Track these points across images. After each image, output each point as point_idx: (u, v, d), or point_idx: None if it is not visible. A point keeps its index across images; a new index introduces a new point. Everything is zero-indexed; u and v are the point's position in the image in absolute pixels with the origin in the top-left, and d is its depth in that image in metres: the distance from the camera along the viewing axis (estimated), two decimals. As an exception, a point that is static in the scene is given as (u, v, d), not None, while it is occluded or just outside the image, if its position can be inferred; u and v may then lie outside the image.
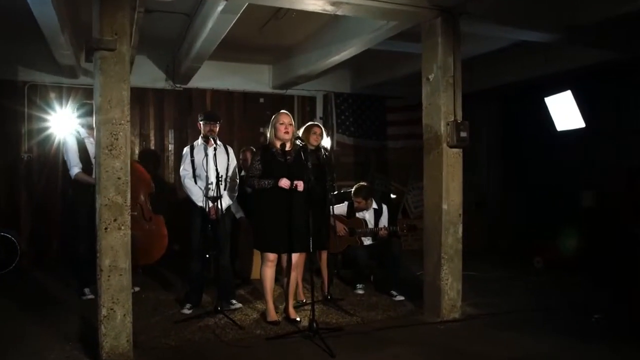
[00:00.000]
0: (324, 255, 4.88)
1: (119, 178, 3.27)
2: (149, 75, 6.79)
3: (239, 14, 4.26)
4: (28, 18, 4.31)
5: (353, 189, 5.32)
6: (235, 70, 7.20)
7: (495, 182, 8.48)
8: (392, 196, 7.88)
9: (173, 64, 6.74)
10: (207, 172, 4.35)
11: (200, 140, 4.51)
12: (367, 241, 5.30)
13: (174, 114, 7.07)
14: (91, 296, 4.60)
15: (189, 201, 4.45)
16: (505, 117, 8.32)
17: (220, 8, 4.11)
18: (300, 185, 3.97)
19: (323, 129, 4.75)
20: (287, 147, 4.07)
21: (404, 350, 3.62)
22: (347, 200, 5.42)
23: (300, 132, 4.61)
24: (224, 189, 4.45)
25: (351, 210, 5.33)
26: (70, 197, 4.91)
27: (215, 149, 4.33)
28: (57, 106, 6.36)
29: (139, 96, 6.80)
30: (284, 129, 4.06)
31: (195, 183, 4.41)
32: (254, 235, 4.32)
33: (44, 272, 5.96)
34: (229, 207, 4.58)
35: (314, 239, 3.92)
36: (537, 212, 7.52)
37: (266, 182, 4.02)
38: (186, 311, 4.39)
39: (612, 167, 6.62)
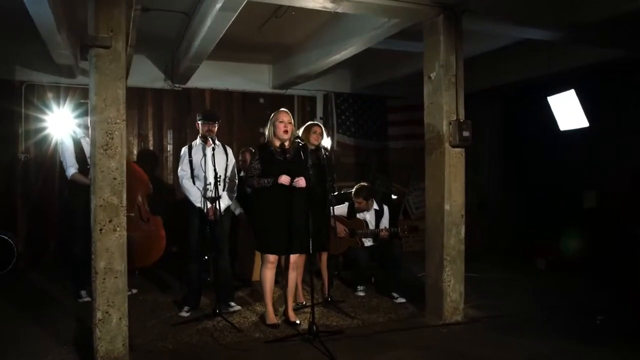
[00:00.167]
0: (324, 256, 4.82)
1: (114, 178, 3.21)
2: (148, 75, 6.74)
3: (237, 12, 4.20)
4: (25, 17, 4.25)
5: (354, 190, 5.26)
6: (234, 69, 7.14)
7: (497, 182, 8.42)
8: (393, 197, 7.82)
9: (172, 64, 6.69)
10: (205, 172, 4.29)
11: (198, 140, 4.46)
12: (367, 242, 5.24)
13: (172, 114, 7.01)
14: (87, 298, 4.54)
15: (187, 202, 4.39)
16: (507, 116, 8.27)
17: (219, 5, 4.05)
18: (301, 181, 3.89)
19: (323, 128, 4.70)
20: (287, 145, 4.01)
21: (406, 354, 3.56)
22: (347, 201, 5.37)
23: (300, 132, 4.56)
24: (223, 190, 4.39)
25: (352, 211, 5.27)
26: (66, 198, 4.86)
27: (213, 149, 4.27)
28: (54, 106, 6.30)
29: (137, 96, 6.77)
30: (283, 128, 3.99)
31: (194, 183, 4.35)
32: (255, 236, 4.25)
33: (41, 273, 5.90)
34: (228, 208, 4.52)
35: (314, 240, 3.86)
36: (539, 213, 7.46)
37: (266, 181, 3.95)
38: (184, 314, 4.33)
39: (615, 167, 6.56)
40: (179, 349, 3.60)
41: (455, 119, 4.17)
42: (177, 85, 6.87)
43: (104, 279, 3.18)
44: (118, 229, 3.21)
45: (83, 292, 4.70)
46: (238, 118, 7.33)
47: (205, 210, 4.27)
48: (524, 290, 5.40)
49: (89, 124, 3.38)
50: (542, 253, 6.58)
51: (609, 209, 6.59)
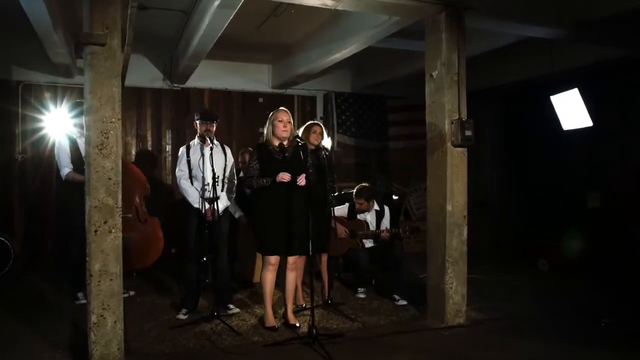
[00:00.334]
0: (324, 258, 4.76)
1: (109, 178, 3.14)
2: (146, 74, 6.69)
3: (236, 9, 4.14)
4: (21, 16, 4.19)
5: (354, 190, 5.20)
6: (233, 69, 7.09)
7: (498, 182, 8.36)
8: (394, 197, 7.76)
9: (170, 63, 6.63)
10: (203, 172, 4.23)
11: (196, 140, 4.40)
12: (368, 244, 5.17)
13: (171, 114, 6.96)
14: (84, 301, 4.45)
15: (185, 203, 4.32)
16: (509, 116, 8.20)
17: (217, 3, 4.00)
18: (302, 179, 3.82)
19: (324, 128, 4.64)
20: (286, 145, 3.95)
21: (408, 357, 3.50)
22: (348, 202, 5.31)
23: (300, 132, 4.50)
24: (222, 190, 4.33)
25: (352, 211, 5.21)
26: (62, 198, 4.79)
27: (212, 149, 4.20)
28: (51, 106, 6.25)
29: (135, 96, 6.73)
30: (283, 127, 3.93)
31: (192, 184, 4.29)
32: (255, 237, 4.18)
33: (38, 275, 5.85)
34: (226, 209, 4.45)
35: (314, 241, 3.79)
36: (541, 213, 7.39)
37: (264, 180, 3.88)
38: (182, 316, 4.26)
39: (619, 167, 6.49)
40: (176, 352, 3.53)
41: (457, 118, 4.10)
42: (175, 85, 6.81)
43: (99, 281, 3.11)
44: (113, 230, 3.14)
45: (80, 294, 4.64)
46: (237, 118, 7.27)
47: (203, 211, 4.20)
48: (527, 291, 5.33)
49: (84, 123, 3.32)
50: (545, 254, 6.51)
51: (612, 209, 6.52)
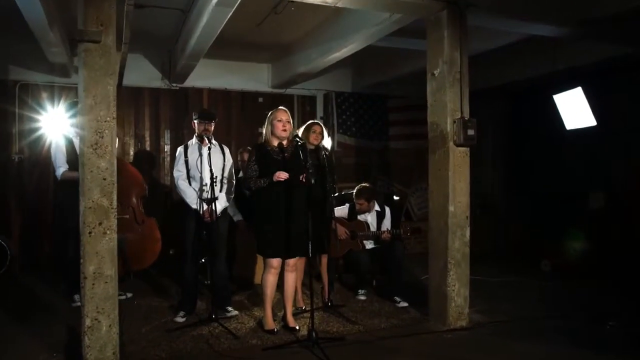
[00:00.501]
0: (324, 259, 4.69)
1: (104, 179, 3.07)
2: (144, 74, 6.61)
3: (234, 7, 4.07)
4: (18, 14, 4.13)
5: (355, 191, 5.14)
6: (232, 68, 7.02)
7: (500, 182, 8.28)
8: (395, 198, 7.68)
9: (169, 63, 6.55)
10: (201, 173, 4.17)
11: (194, 140, 4.34)
12: (369, 245, 5.11)
13: (170, 113, 6.89)
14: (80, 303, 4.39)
15: (182, 203, 4.26)
16: (511, 115, 8.12)
17: (215, 0, 3.92)
18: (303, 176, 3.72)
19: (324, 128, 4.57)
20: (285, 145, 3.88)
21: (410, 362, 3.43)
22: (348, 202, 5.24)
23: (300, 132, 4.43)
24: (220, 191, 4.26)
25: (352, 212, 5.14)
26: (59, 199, 4.72)
27: (210, 149, 4.13)
28: (48, 106, 6.17)
29: (134, 95, 6.66)
30: (282, 127, 3.86)
31: (190, 184, 4.23)
32: (256, 240, 4.11)
33: (35, 276, 5.77)
34: (225, 210, 4.39)
35: (313, 242, 3.72)
36: (544, 213, 7.31)
37: (262, 181, 3.81)
38: (179, 319, 4.19)
39: (623, 166, 6.42)
40: (173, 356, 3.46)
41: (459, 117, 4.03)
42: (174, 84, 6.74)
43: (93, 284, 3.05)
44: (108, 232, 3.07)
45: (76, 297, 4.55)
46: (237, 118, 7.20)
47: (201, 212, 4.13)
48: (529, 293, 5.26)
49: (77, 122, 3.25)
50: (547, 255, 6.44)
51: (616, 209, 6.45)
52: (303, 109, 7.55)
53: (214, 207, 4.04)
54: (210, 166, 4.04)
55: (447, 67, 4.02)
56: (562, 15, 4.60)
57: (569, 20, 4.65)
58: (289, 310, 4.02)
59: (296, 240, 3.81)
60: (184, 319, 4.18)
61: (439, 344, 3.76)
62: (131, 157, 6.66)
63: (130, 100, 6.63)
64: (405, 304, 4.66)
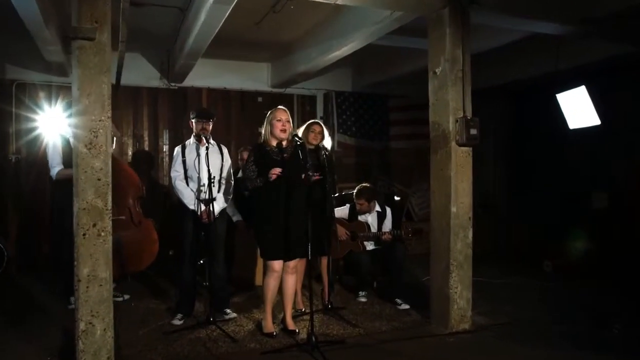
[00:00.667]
0: (325, 260, 4.62)
1: (98, 179, 3.01)
2: (143, 73, 6.55)
3: (232, 5, 4.00)
4: (14, 13, 4.06)
5: (355, 191, 5.06)
6: (232, 68, 6.96)
7: (502, 182, 8.21)
8: (396, 198, 7.61)
9: (167, 62, 6.49)
10: (199, 173, 4.10)
11: (192, 140, 4.27)
12: (369, 246, 5.04)
13: (168, 113, 6.83)
14: (76, 305, 4.33)
15: (180, 204, 4.19)
16: (514, 115, 8.05)
17: (212, -2, 3.86)
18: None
19: (324, 127, 4.50)
20: (284, 145, 3.81)
21: (411, 366, 3.36)
22: (348, 203, 5.17)
23: (300, 131, 4.36)
24: (218, 191, 4.19)
25: (353, 213, 5.07)
26: (56, 199, 4.66)
27: (207, 149, 4.06)
28: (46, 105, 6.11)
29: (132, 95, 6.61)
30: (281, 126, 3.78)
31: (187, 185, 4.17)
32: (257, 242, 4.04)
33: (33, 278, 5.70)
34: (224, 210, 4.32)
35: (313, 243, 3.65)
36: (546, 214, 7.23)
37: (258, 180, 3.74)
38: (177, 322, 4.12)
39: (627, 166, 6.34)
40: (169, 360, 3.40)
41: (462, 116, 3.96)
42: (173, 84, 6.68)
43: (88, 287, 2.98)
44: (102, 233, 3.00)
45: (72, 299, 4.48)
46: (236, 118, 7.14)
47: (199, 213, 4.07)
48: (532, 294, 5.19)
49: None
50: (550, 255, 6.37)
51: (619, 209, 6.37)
52: (303, 109, 7.49)
53: (211, 208, 3.98)
54: (208, 166, 3.97)
55: (449, 65, 3.95)
56: (565, 13, 4.52)
57: (571, 19, 4.57)
58: (289, 313, 3.95)
59: (296, 241, 3.74)
60: (181, 322, 4.12)
61: (441, 348, 3.69)
62: (129, 157, 6.60)
63: (128, 99, 6.58)
64: (407, 306, 4.59)
